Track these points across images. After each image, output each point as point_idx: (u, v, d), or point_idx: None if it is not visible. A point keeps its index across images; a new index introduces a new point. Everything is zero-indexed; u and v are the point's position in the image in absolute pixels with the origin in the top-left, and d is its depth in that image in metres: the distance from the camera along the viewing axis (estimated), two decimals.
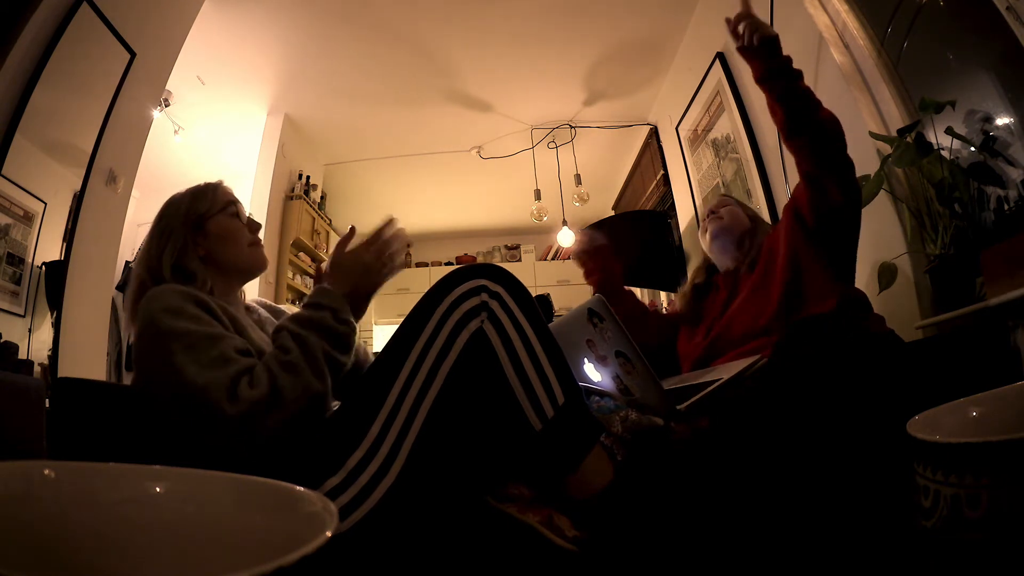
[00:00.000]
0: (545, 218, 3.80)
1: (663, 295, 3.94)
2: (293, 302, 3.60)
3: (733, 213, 1.37)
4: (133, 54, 1.99)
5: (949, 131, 1.34)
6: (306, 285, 3.72)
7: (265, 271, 1.02)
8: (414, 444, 0.68)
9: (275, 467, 0.54)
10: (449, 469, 0.71)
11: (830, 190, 1.14)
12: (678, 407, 0.88)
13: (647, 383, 0.89)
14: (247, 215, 1.00)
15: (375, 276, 0.87)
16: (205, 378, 0.67)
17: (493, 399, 0.73)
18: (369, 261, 0.87)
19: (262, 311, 1.03)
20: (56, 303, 1.72)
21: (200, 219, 0.93)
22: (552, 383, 0.73)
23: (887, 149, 1.51)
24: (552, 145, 3.83)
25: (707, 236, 1.39)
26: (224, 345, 0.72)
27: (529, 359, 0.73)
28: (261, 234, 1.00)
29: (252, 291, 3.01)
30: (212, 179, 1.00)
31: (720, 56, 2.53)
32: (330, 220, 4.09)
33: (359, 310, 0.87)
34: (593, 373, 0.98)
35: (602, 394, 0.91)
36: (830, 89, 1.81)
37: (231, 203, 0.97)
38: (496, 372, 0.72)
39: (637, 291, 4.13)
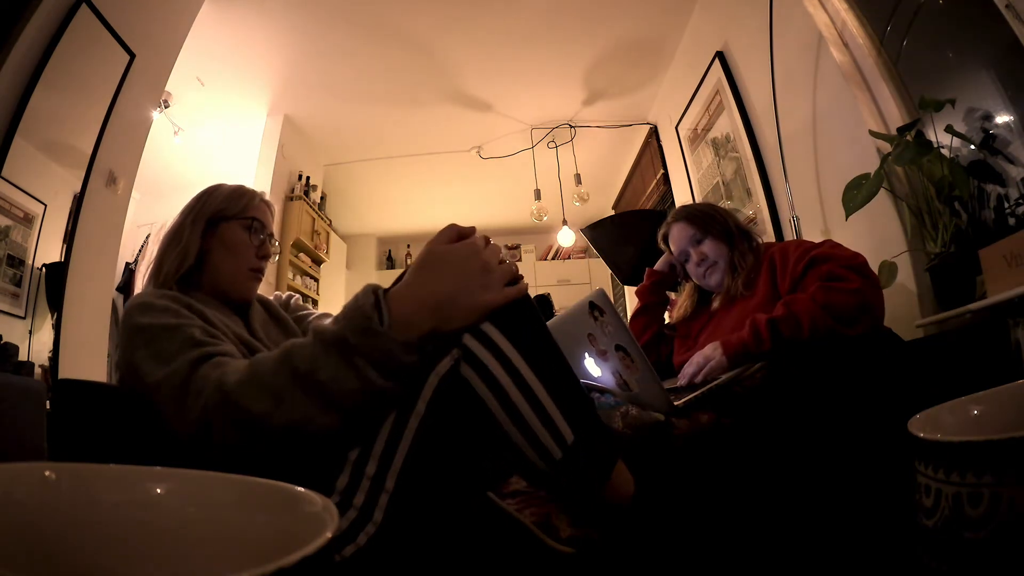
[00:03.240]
0: (545, 218, 3.80)
1: None
2: None
3: (715, 253, 1.33)
4: (132, 55, 1.99)
5: (949, 129, 1.34)
6: (306, 286, 3.71)
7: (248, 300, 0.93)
8: (398, 479, 0.59)
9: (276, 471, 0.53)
10: (445, 468, 0.70)
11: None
12: (675, 403, 0.88)
13: (646, 378, 0.89)
14: (266, 243, 0.94)
15: (485, 291, 0.60)
16: (158, 374, 0.65)
17: (483, 445, 0.63)
18: (489, 262, 0.61)
19: (262, 315, 0.95)
20: (56, 305, 1.72)
21: (220, 218, 0.90)
22: (558, 423, 0.59)
23: (887, 147, 1.51)
24: (552, 145, 3.83)
25: (703, 281, 1.36)
26: (179, 336, 0.67)
27: (527, 401, 0.59)
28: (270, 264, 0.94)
29: None
30: (216, 181, 0.96)
31: (719, 55, 2.53)
32: (330, 220, 4.09)
33: (424, 345, 0.58)
34: (593, 368, 0.98)
35: (602, 390, 0.91)
36: (830, 88, 1.81)
37: (256, 220, 0.93)
38: (484, 416, 0.60)
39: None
